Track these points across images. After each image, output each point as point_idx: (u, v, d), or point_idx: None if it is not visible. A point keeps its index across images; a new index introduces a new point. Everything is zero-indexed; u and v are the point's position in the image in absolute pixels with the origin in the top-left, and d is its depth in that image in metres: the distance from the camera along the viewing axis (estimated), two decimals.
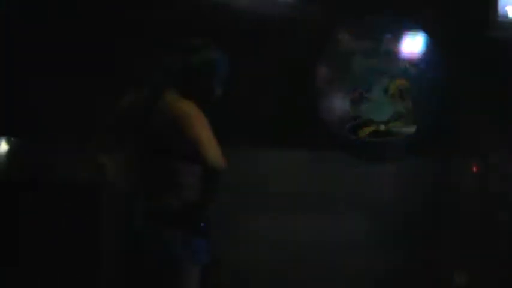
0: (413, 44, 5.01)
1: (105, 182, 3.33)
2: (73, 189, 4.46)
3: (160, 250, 3.16)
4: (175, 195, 3.17)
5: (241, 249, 4.79)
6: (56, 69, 4.64)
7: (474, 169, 5.01)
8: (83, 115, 4.44)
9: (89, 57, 4.66)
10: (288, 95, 4.88)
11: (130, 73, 4.24)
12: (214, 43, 3.32)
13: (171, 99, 3.20)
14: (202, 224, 3.19)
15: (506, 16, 5.02)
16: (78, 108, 4.57)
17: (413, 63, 5.00)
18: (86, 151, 3.42)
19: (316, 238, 4.87)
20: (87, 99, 4.55)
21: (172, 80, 3.26)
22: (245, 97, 4.71)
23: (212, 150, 3.09)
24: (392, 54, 4.99)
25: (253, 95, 4.80)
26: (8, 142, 4.71)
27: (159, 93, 3.22)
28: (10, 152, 4.70)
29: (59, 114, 4.62)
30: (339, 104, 4.99)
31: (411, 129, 4.99)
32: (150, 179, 3.21)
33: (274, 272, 4.81)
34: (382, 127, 4.99)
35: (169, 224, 3.16)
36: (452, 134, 4.96)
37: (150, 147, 3.20)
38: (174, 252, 3.15)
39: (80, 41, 4.69)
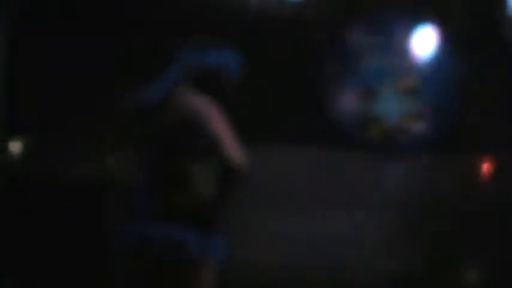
0: (423, 41, 5.01)
1: (115, 180, 3.32)
2: (81, 188, 4.40)
3: (174, 248, 3.11)
4: (190, 192, 3.14)
5: (241, 249, 4.77)
6: (63, 68, 4.66)
7: (485, 167, 5.02)
8: (94, 113, 4.43)
9: (99, 57, 4.69)
10: (298, 93, 4.90)
11: (143, 71, 4.26)
12: (228, 42, 3.31)
13: (186, 95, 3.15)
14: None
15: None
16: (87, 107, 4.55)
17: (423, 60, 5.00)
18: (96, 149, 3.41)
19: (322, 236, 4.88)
20: (96, 97, 4.54)
21: (186, 77, 3.23)
22: (255, 95, 4.71)
23: (231, 146, 3.04)
24: (403, 52, 4.99)
25: (263, 93, 4.82)
26: (12, 142, 4.71)
27: (173, 90, 3.19)
28: (14, 151, 4.69)
29: (70, 113, 4.61)
30: (348, 102, 5.01)
31: (421, 126, 4.99)
32: (165, 176, 3.17)
33: (275, 271, 4.81)
34: (392, 125, 5.00)
35: (183, 221, 3.10)
36: (464, 132, 4.98)
37: (163, 144, 3.16)
38: (188, 249, 3.10)
39: (97, 41, 4.71)
